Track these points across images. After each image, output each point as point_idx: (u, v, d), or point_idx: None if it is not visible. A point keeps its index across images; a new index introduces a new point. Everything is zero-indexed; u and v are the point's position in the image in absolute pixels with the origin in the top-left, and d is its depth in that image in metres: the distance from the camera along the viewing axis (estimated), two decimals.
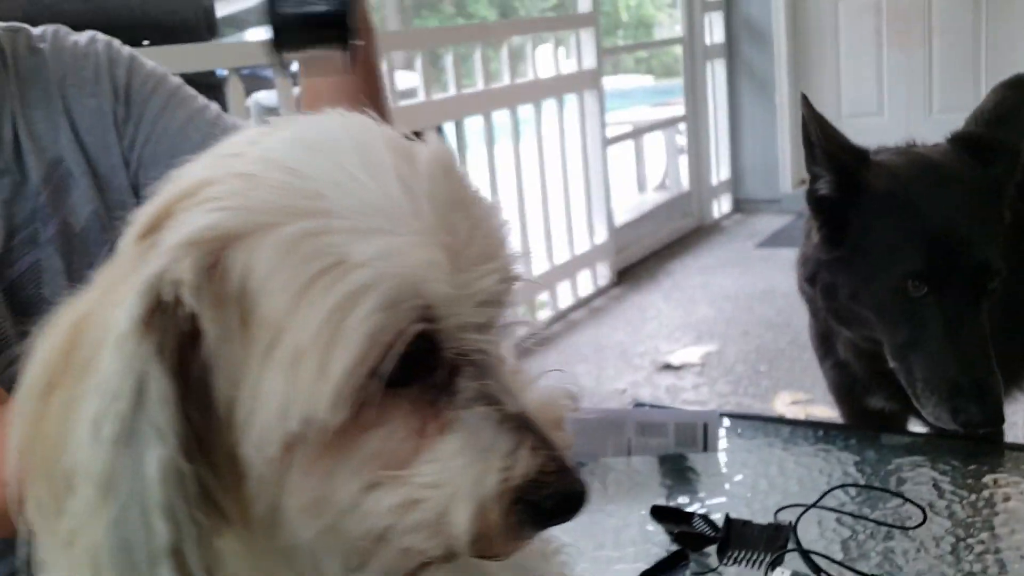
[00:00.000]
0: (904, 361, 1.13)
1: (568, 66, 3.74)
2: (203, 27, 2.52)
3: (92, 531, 0.38)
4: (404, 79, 3.02)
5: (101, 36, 1.00)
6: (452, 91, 3.06)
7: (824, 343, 1.45)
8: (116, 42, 1.00)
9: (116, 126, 0.96)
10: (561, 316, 3.67)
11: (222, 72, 2.40)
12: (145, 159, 0.96)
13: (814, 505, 0.93)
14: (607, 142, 3.95)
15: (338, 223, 0.39)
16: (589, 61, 3.79)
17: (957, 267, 1.09)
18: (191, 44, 2.25)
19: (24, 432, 0.40)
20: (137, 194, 0.95)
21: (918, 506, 0.92)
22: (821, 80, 4.74)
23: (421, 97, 2.94)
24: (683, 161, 4.89)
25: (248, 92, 2.58)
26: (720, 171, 4.94)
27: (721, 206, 4.98)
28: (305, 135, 0.44)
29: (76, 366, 0.39)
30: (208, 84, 2.65)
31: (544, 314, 3.64)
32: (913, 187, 1.15)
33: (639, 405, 1.20)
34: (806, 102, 1.16)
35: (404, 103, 2.89)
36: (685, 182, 4.86)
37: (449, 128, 3.19)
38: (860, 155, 1.20)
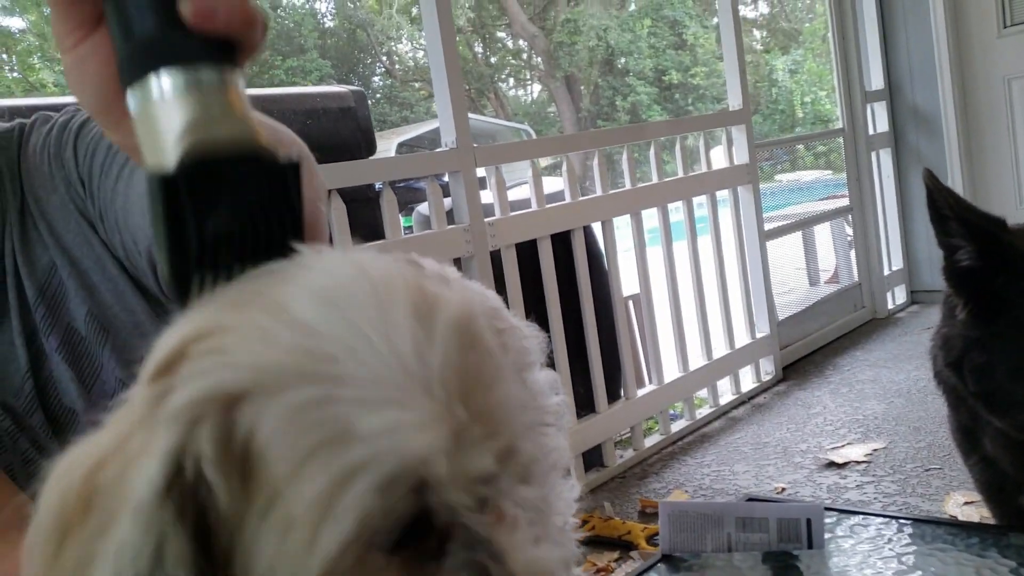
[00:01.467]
0: None
1: (721, 162, 3.75)
2: (362, 147, 2.73)
3: None
4: (550, 183, 3.12)
5: (59, 121, 0.94)
6: (598, 191, 3.14)
7: (968, 437, 1.38)
8: (71, 121, 0.94)
9: (83, 213, 0.92)
10: (722, 413, 3.59)
11: (379, 186, 2.59)
12: (120, 220, 0.90)
13: None
14: (765, 236, 3.90)
15: (346, 392, 0.38)
16: (742, 156, 3.79)
17: None
18: (350, 161, 2.44)
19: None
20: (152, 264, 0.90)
21: None
22: (996, 166, 4.51)
23: (568, 199, 3.03)
24: (854, 253, 4.73)
25: (404, 203, 2.75)
26: (893, 261, 4.74)
27: (895, 297, 4.76)
28: (327, 284, 0.42)
29: (93, 523, 0.39)
30: (366, 197, 2.88)
31: (703, 411, 3.57)
32: None
33: (751, 500, 1.18)
34: (929, 175, 1.13)
35: (552, 206, 2.98)
36: (855, 274, 4.69)
37: (597, 228, 3.25)
38: (999, 222, 1.17)
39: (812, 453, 3.03)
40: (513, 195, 2.95)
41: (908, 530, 1.11)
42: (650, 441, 3.29)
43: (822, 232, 5.17)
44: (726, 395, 3.67)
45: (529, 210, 2.92)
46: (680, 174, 3.51)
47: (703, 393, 3.61)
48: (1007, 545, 1.02)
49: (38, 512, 0.41)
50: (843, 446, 3.02)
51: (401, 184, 2.74)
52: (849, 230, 4.81)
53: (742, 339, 3.78)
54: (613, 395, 3.19)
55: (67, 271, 0.92)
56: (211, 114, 0.45)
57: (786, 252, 4.94)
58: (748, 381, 3.79)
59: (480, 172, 2.77)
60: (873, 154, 4.60)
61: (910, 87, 4.62)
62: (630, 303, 3.56)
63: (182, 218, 0.44)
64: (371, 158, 2.85)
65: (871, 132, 4.58)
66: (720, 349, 3.64)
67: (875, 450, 2.95)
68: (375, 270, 0.43)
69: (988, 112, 4.48)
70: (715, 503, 1.24)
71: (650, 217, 3.39)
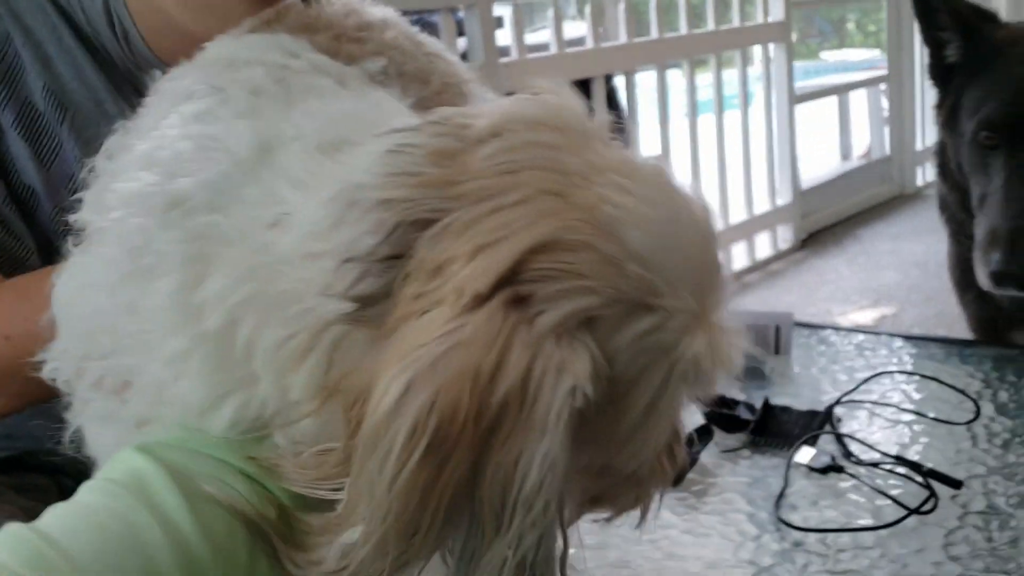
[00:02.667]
0: (976, 220, 1.07)
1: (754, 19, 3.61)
2: None
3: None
4: (572, 27, 3.02)
5: None
6: (623, 39, 3.04)
7: (966, 272, 1.35)
8: None
9: None
10: (733, 277, 3.57)
11: None
12: None
13: (851, 391, 0.88)
14: (795, 100, 3.78)
15: (671, 323, 0.42)
16: (776, 13, 3.64)
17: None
18: None
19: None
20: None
21: (972, 400, 0.85)
22: None
23: (589, 44, 2.94)
24: (888, 128, 4.59)
25: None
26: (928, 136, 4.60)
27: (926, 173, 4.64)
28: (653, 216, 0.43)
29: (502, 436, 0.39)
30: None
31: None
32: (1021, 45, 1.09)
33: None
34: None
35: (572, 51, 2.90)
36: (887, 147, 4.57)
37: (619, 81, 3.17)
38: (990, 16, 1.14)
39: (819, 317, 3.01)
40: (534, 39, 2.87)
41: (865, 342, 1.09)
42: None
43: (858, 106, 5.00)
44: (741, 260, 3.63)
45: (547, 53, 2.84)
46: (711, 27, 3.38)
47: None
48: (970, 355, 1.01)
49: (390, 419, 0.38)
50: (852, 311, 3.00)
51: (414, 17, 2.66)
52: (886, 104, 4.65)
53: (762, 206, 3.71)
54: None
55: (21, 41, 0.88)
56: None
57: (820, 125, 4.81)
58: (765, 248, 3.75)
59: (499, 11, 2.68)
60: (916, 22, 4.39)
61: None
62: None
63: None
64: None
65: None
66: (739, 214, 3.59)
67: (884, 316, 2.93)
68: (679, 196, 0.46)
69: None
70: None
71: (677, 88, 3.29)
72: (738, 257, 3.64)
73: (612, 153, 0.45)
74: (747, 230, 3.62)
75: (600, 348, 0.41)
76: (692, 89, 3.31)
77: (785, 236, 3.84)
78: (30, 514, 0.89)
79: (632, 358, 0.42)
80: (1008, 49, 1.11)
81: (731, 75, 3.57)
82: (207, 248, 0.47)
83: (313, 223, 0.44)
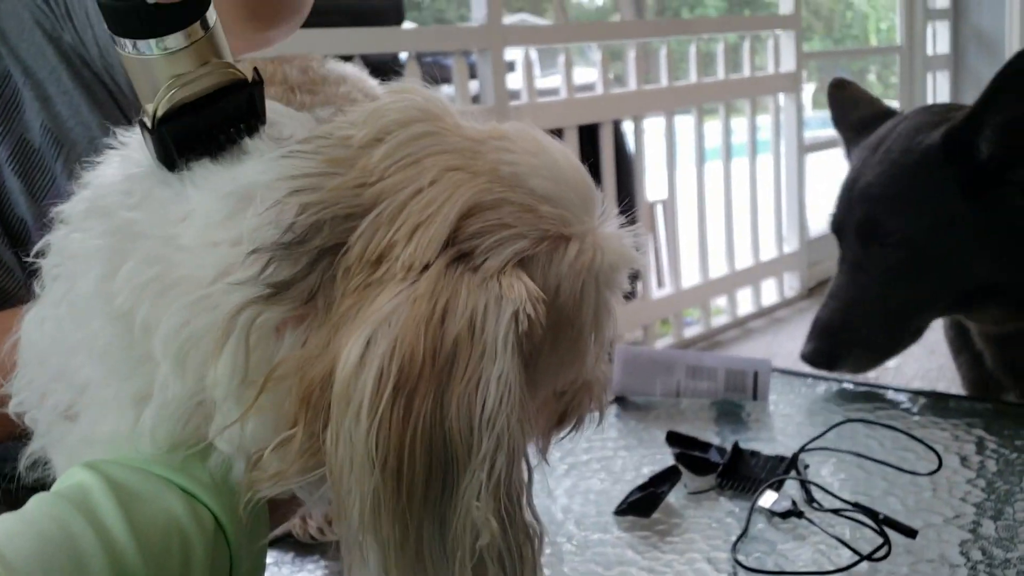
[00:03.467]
0: None
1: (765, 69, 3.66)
2: (392, 13, 2.71)
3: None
4: (582, 74, 3.08)
5: None
6: (632, 86, 3.09)
7: (960, 334, 1.38)
8: None
9: (38, 21, 0.91)
10: (739, 323, 3.58)
11: (405, 58, 2.57)
12: (91, 14, 0.90)
13: (818, 437, 0.90)
14: (805, 149, 3.82)
15: (588, 241, 0.50)
16: (788, 64, 3.69)
17: (850, 220, 1.17)
18: (375, 27, 2.43)
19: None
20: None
21: (934, 451, 0.86)
22: None
23: (599, 91, 2.99)
24: None
25: (429, 80, 2.73)
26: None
27: None
28: (543, 163, 0.50)
29: (460, 367, 0.43)
30: (391, 69, 2.86)
31: (720, 319, 3.57)
32: (865, 147, 1.23)
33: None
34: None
35: (582, 96, 2.95)
36: None
37: (628, 126, 3.21)
38: (885, 114, 1.30)
39: None
40: (545, 84, 2.92)
41: (851, 390, 1.11)
42: (661, 344, 3.31)
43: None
44: (746, 306, 3.65)
45: (557, 98, 2.89)
46: (721, 76, 3.44)
47: (721, 302, 3.60)
48: (944, 408, 1.02)
49: (356, 376, 0.42)
50: None
51: (428, 59, 2.72)
52: None
53: (769, 252, 3.74)
54: (628, 294, 3.20)
55: (22, 80, 0.92)
56: (197, 67, 0.53)
57: (829, 173, 4.82)
58: (772, 295, 3.77)
59: (511, 55, 2.74)
60: (929, 75, 4.44)
61: (976, 7, 4.43)
62: (657, 207, 3.53)
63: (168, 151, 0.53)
64: (398, 27, 2.83)
65: (930, 52, 4.42)
66: (745, 260, 3.61)
67: (885, 367, 2.93)
68: (549, 144, 0.52)
69: None
70: (667, 350, 1.25)
71: (685, 134, 3.33)
72: (743, 303, 3.66)
73: (479, 126, 0.51)
74: (753, 276, 3.64)
75: (540, 281, 0.47)
76: (700, 136, 3.35)
77: (791, 284, 3.86)
78: None
79: (570, 283, 0.49)
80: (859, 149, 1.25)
81: (741, 123, 3.62)
82: (124, 243, 0.50)
83: (210, 215, 0.48)
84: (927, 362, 2.96)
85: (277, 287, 0.45)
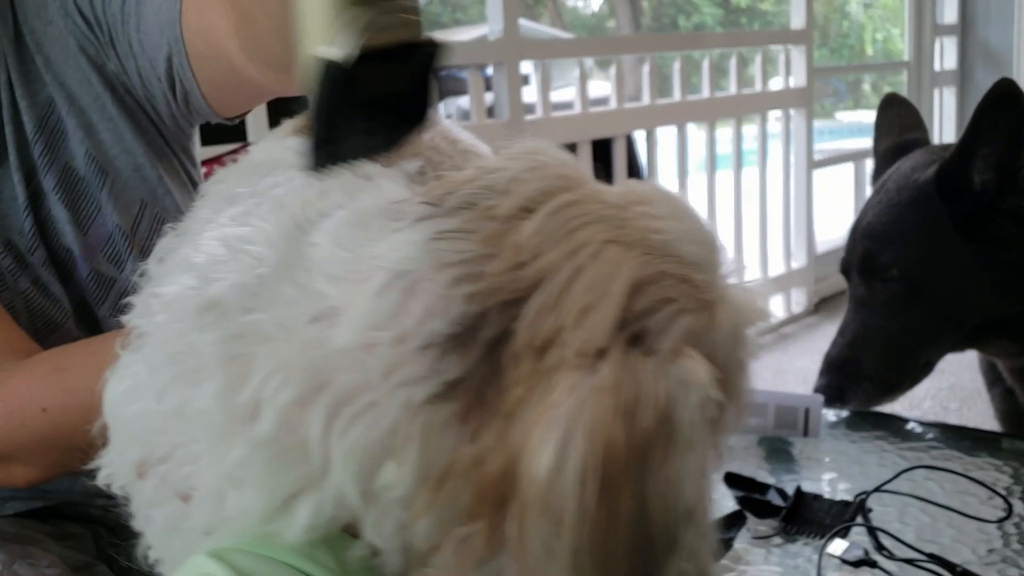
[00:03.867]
0: None
1: (776, 84, 3.65)
2: None
3: None
4: (596, 87, 3.06)
5: None
6: (646, 100, 3.08)
7: (994, 368, 1.38)
8: None
9: (82, 47, 0.90)
10: None
11: None
12: (135, 44, 0.88)
13: (885, 483, 0.89)
14: (813, 164, 3.82)
15: (733, 306, 0.48)
16: (799, 79, 3.68)
17: (853, 259, 1.20)
18: None
19: None
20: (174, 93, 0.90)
21: (1004, 499, 0.85)
22: None
23: (613, 105, 2.98)
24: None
25: (445, 93, 2.72)
26: None
27: None
28: (687, 227, 0.49)
29: (660, 450, 0.42)
30: None
31: None
32: (876, 186, 1.28)
33: None
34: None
35: (596, 110, 2.94)
36: None
37: (640, 136, 3.20)
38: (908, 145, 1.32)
39: None
40: (559, 97, 2.91)
41: (905, 428, 1.10)
42: None
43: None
44: None
45: (571, 112, 2.88)
46: (733, 91, 3.43)
47: None
48: (998, 448, 1.01)
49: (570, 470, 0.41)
50: None
51: (443, 72, 2.71)
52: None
53: (776, 268, 3.73)
54: None
55: (66, 108, 0.91)
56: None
57: (837, 188, 4.81)
58: (779, 311, 3.76)
59: (526, 68, 2.72)
60: (936, 91, 4.44)
61: (984, 22, 4.44)
62: None
63: (342, 98, 0.49)
64: None
65: (937, 68, 4.42)
66: (751, 275, 3.59)
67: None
68: (685, 205, 0.51)
69: None
70: None
71: (696, 146, 3.32)
72: None
73: (615, 190, 0.49)
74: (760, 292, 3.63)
75: (707, 354, 0.45)
76: (712, 146, 3.35)
77: (799, 300, 3.85)
78: (67, 561, 0.89)
79: (727, 350, 0.47)
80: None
81: (750, 130, 3.60)
82: (246, 347, 0.48)
83: (367, 314, 0.45)
84: (938, 381, 2.95)
85: (450, 383, 0.43)
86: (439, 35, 0.52)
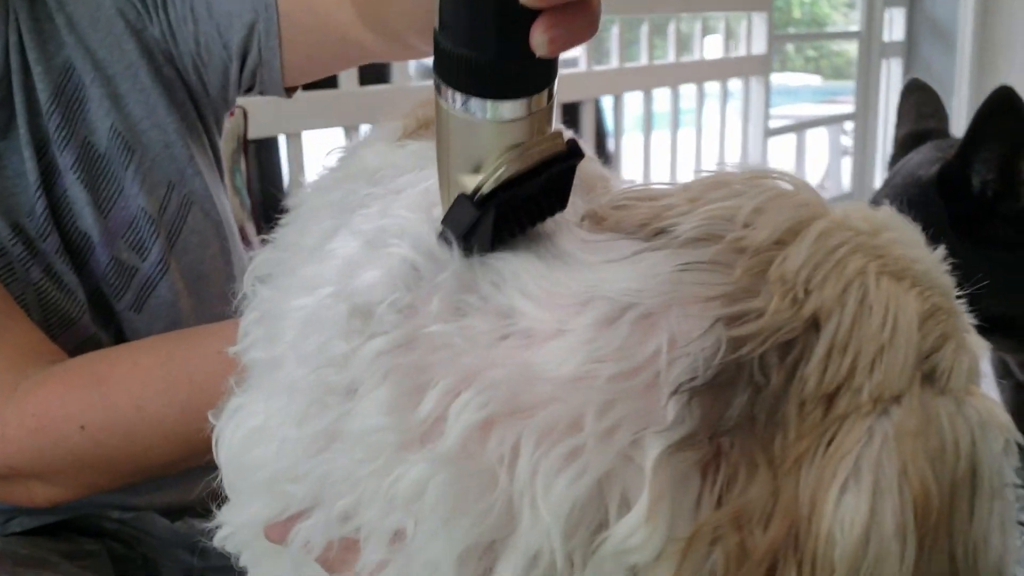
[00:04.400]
0: None
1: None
2: None
3: None
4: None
5: None
6: (615, 63, 3.00)
7: (1004, 362, 1.39)
8: None
9: (121, 11, 0.81)
10: None
11: None
12: (197, 7, 0.80)
13: None
14: (769, 133, 3.80)
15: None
16: (759, 47, 3.65)
17: None
18: None
19: None
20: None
21: None
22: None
23: (582, 67, 2.89)
24: (846, 163, 4.66)
25: None
26: (886, 174, 4.68)
27: None
28: (926, 253, 0.46)
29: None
30: None
31: None
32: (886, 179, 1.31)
33: None
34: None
35: (565, 72, 2.84)
36: (847, 183, 4.63)
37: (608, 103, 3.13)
38: (922, 136, 1.34)
39: None
40: None
41: None
42: None
43: (814, 138, 5.07)
44: None
45: None
46: (697, 57, 3.37)
47: None
48: None
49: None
50: None
51: None
52: (844, 139, 4.72)
53: None
54: None
55: (90, 76, 0.80)
56: (530, 138, 0.44)
57: (777, 155, 4.84)
58: None
59: None
60: (884, 61, 4.48)
61: None
62: None
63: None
64: None
65: (886, 39, 4.45)
66: None
67: None
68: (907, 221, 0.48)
69: (1007, 32, 4.37)
70: None
71: (661, 110, 3.27)
72: None
73: (858, 214, 0.45)
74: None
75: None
76: (676, 115, 3.30)
77: None
78: None
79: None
80: None
81: (711, 104, 3.56)
82: (418, 357, 0.42)
83: (587, 343, 0.39)
84: None
85: (696, 431, 0.37)
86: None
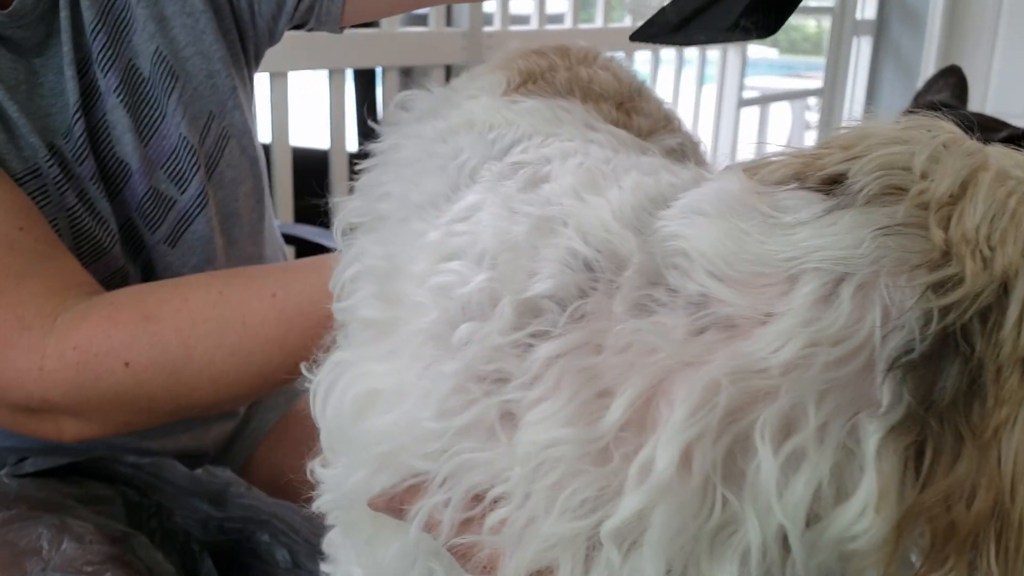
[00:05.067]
0: None
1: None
2: None
3: None
4: (553, 3, 2.93)
5: None
6: (599, 23, 2.96)
7: None
8: None
9: None
10: None
11: None
12: None
13: None
14: (742, 103, 3.81)
15: None
16: None
17: None
18: None
19: None
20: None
21: None
22: (971, 72, 4.47)
23: (568, 24, 2.85)
24: (809, 138, 4.69)
25: None
26: None
27: None
28: None
29: None
30: None
31: None
32: None
33: None
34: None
35: (551, 28, 2.80)
36: None
37: None
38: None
39: None
40: (518, 8, 2.76)
41: None
42: None
43: (778, 112, 5.10)
44: None
45: (527, 27, 2.73)
46: None
47: None
48: None
49: None
50: None
51: None
52: (808, 115, 4.75)
53: None
54: None
55: None
56: None
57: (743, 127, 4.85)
58: None
59: None
60: (855, 39, 4.50)
61: None
62: None
63: None
64: None
65: (858, 16, 4.47)
66: None
67: None
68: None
69: (977, 15, 4.43)
70: None
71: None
72: None
73: (1013, 159, 0.42)
74: None
75: None
76: (654, 76, 3.28)
77: None
78: (103, 530, 0.75)
79: None
80: None
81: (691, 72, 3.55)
82: (600, 359, 0.39)
83: (804, 325, 0.36)
84: None
85: (914, 409, 0.35)
86: None
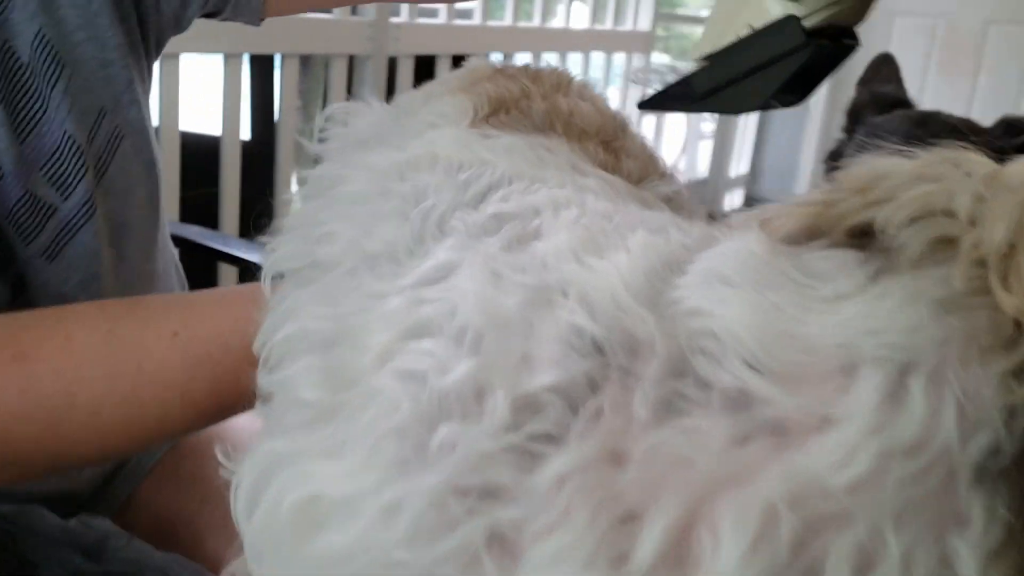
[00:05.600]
0: None
1: (623, 26, 3.58)
2: None
3: None
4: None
5: None
6: (509, 20, 2.89)
7: None
8: None
9: None
10: None
11: None
12: None
13: None
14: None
15: None
16: (644, 23, 3.63)
17: None
18: None
19: None
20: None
21: None
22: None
23: (477, 20, 2.77)
24: (704, 147, 4.75)
25: None
26: (740, 164, 4.82)
27: (733, 200, 4.87)
28: None
29: None
30: None
31: None
32: None
33: None
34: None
35: (459, 23, 2.71)
36: (703, 168, 4.73)
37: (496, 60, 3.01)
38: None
39: None
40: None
41: None
42: None
43: (673, 119, 5.14)
44: None
45: (434, 20, 2.63)
46: (588, 26, 3.32)
47: None
48: None
49: None
50: None
51: None
52: (705, 125, 4.81)
53: None
54: None
55: None
56: None
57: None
58: None
59: None
60: None
61: None
62: None
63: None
64: None
65: None
66: None
67: None
68: None
69: (867, 39, 4.52)
70: None
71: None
72: None
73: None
74: None
75: None
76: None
77: None
78: None
79: None
80: None
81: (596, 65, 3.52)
82: (619, 479, 0.33)
83: (876, 432, 0.30)
84: None
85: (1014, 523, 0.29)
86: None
